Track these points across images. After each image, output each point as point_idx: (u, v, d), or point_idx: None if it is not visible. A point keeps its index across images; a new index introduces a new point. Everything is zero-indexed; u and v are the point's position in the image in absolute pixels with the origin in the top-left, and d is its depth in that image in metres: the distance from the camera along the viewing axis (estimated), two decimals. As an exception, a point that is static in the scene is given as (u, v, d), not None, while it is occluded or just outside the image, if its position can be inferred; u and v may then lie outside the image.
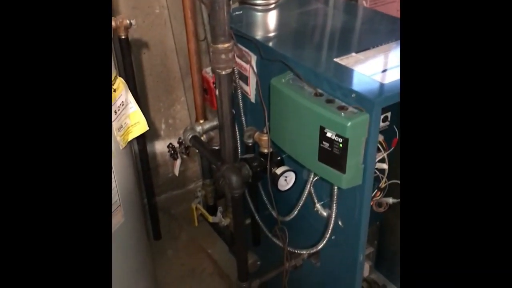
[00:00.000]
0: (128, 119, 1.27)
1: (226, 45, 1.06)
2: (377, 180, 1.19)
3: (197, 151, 1.38)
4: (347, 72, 1.05)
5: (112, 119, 1.17)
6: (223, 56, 1.07)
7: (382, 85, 0.98)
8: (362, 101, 0.95)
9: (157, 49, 1.90)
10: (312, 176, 1.17)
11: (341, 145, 0.97)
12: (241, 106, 1.38)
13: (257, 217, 1.42)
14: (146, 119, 1.38)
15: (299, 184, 1.24)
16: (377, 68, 1.04)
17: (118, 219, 1.28)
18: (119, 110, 1.21)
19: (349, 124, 0.94)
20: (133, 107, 1.28)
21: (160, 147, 2.11)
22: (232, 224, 1.25)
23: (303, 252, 1.29)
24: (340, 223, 1.17)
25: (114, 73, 1.19)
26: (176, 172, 1.55)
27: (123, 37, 1.25)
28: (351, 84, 1.00)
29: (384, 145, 1.14)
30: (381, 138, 1.13)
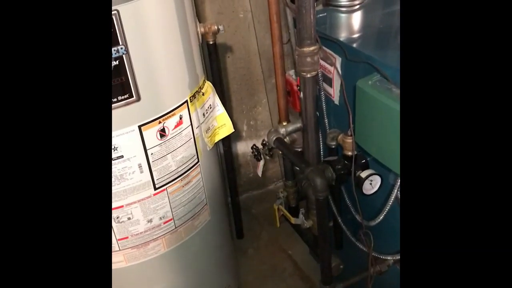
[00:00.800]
0: (215, 121, 1.32)
1: (312, 48, 1.06)
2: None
3: (281, 152, 1.40)
4: (439, 73, 1.00)
5: (201, 121, 1.23)
6: (308, 59, 1.08)
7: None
8: (456, 103, 0.91)
9: (240, 52, 1.95)
10: (399, 180, 1.14)
11: (432, 148, 0.93)
12: (324, 108, 1.38)
13: (340, 220, 1.41)
14: (231, 120, 1.42)
15: (385, 188, 1.21)
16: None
17: (205, 217, 1.34)
18: (207, 112, 1.27)
19: (441, 127, 0.90)
20: (220, 110, 1.33)
21: (242, 147, 2.17)
22: (317, 227, 1.25)
23: (389, 258, 1.25)
24: (429, 229, 1.12)
25: (202, 77, 1.24)
26: (259, 173, 1.59)
27: (211, 43, 1.30)
28: (443, 85, 0.96)
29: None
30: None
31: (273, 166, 2.26)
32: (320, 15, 1.41)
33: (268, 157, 1.49)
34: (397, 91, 1.03)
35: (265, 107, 2.12)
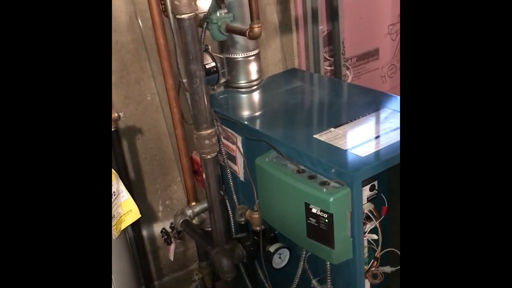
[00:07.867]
0: (121, 208, 1.29)
1: (209, 131, 1.11)
2: (373, 249, 1.18)
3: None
4: (326, 148, 1.08)
5: (104, 210, 1.19)
6: (206, 142, 1.11)
7: (360, 158, 1.01)
8: (342, 175, 0.98)
9: (150, 133, 1.96)
10: (304, 252, 1.17)
11: (326, 220, 0.98)
12: (232, 185, 1.40)
13: (256, 297, 1.39)
14: (143, 202, 1.39)
15: (295, 260, 1.23)
16: (355, 142, 1.07)
17: (114, 311, 1.26)
18: (111, 200, 1.24)
19: (331, 199, 0.95)
20: (125, 196, 1.30)
21: (158, 229, 2.10)
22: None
23: (305, 331, 1.24)
24: (338, 298, 1.14)
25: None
26: (171, 257, 1.54)
27: (112, 129, 1.30)
28: (330, 159, 1.03)
29: (375, 214, 1.14)
30: (371, 206, 1.14)
31: (193, 245, 2.20)
32: (221, 96, 1.48)
33: (178, 240, 1.46)
34: (292, 166, 1.09)
35: (180, 185, 2.11)
